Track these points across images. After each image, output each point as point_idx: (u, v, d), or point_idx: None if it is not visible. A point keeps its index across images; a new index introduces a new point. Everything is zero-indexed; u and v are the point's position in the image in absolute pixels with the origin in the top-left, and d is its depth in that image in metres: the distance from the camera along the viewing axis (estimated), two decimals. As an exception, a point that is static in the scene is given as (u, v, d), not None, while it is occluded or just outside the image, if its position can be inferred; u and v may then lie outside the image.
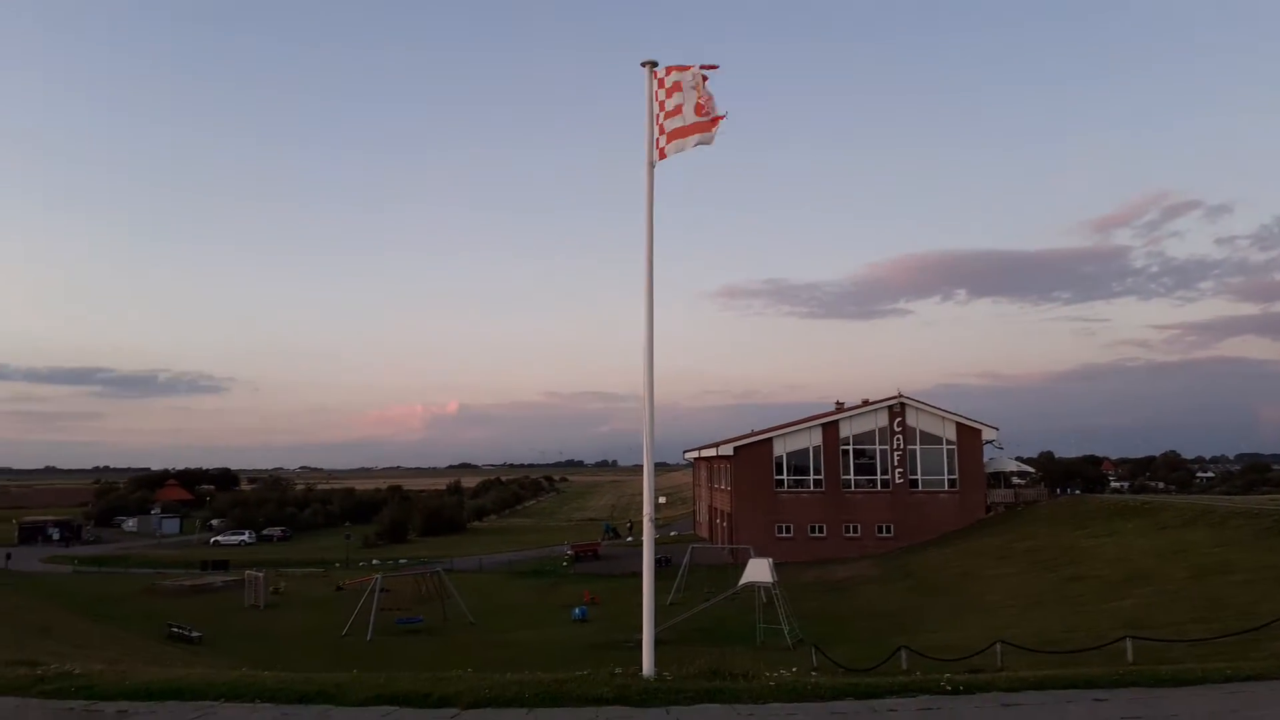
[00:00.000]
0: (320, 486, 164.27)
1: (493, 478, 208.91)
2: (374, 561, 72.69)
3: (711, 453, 67.08)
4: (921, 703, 7.84)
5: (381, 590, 44.71)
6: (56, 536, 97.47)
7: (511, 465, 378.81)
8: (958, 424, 60.37)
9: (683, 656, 15.32)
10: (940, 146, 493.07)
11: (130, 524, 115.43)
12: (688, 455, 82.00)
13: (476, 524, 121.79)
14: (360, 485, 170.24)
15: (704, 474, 76.00)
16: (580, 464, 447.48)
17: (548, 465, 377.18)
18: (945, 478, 59.84)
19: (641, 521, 9.07)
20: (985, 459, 61.01)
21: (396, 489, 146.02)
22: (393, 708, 7.82)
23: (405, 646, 37.33)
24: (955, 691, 8.20)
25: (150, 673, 9.95)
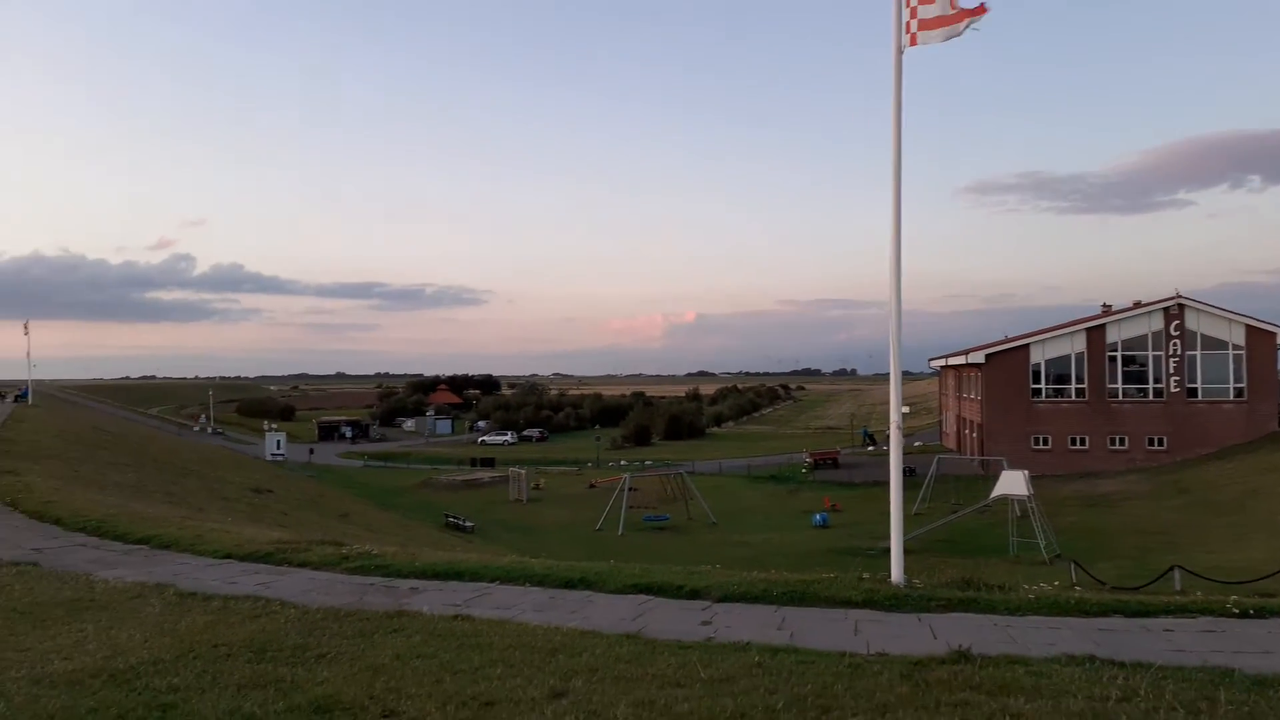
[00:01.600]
0: (571, 392, 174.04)
1: (729, 385, 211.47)
2: (621, 462, 76.40)
3: (960, 360, 64.05)
4: (1203, 624, 7.23)
5: (630, 489, 46.99)
6: (348, 434, 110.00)
7: (748, 374, 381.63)
8: (1247, 326, 53.76)
9: (931, 566, 14.99)
10: (1232, 11, 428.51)
11: (409, 424, 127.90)
12: (933, 363, 78.84)
13: (715, 430, 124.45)
14: (607, 391, 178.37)
15: (952, 383, 72.90)
16: (817, 373, 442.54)
17: (784, 374, 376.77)
18: (1230, 386, 53.79)
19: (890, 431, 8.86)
20: (1281, 366, 54.16)
21: (640, 395, 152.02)
22: (648, 596, 8.26)
23: (652, 542, 39.22)
24: (1244, 614, 7.48)
25: (435, 555, 11.08)
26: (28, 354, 75.43)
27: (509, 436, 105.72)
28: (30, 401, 69.51)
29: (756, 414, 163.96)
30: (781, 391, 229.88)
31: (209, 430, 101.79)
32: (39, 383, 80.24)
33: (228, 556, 10.69)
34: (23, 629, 7.39)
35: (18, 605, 8.21)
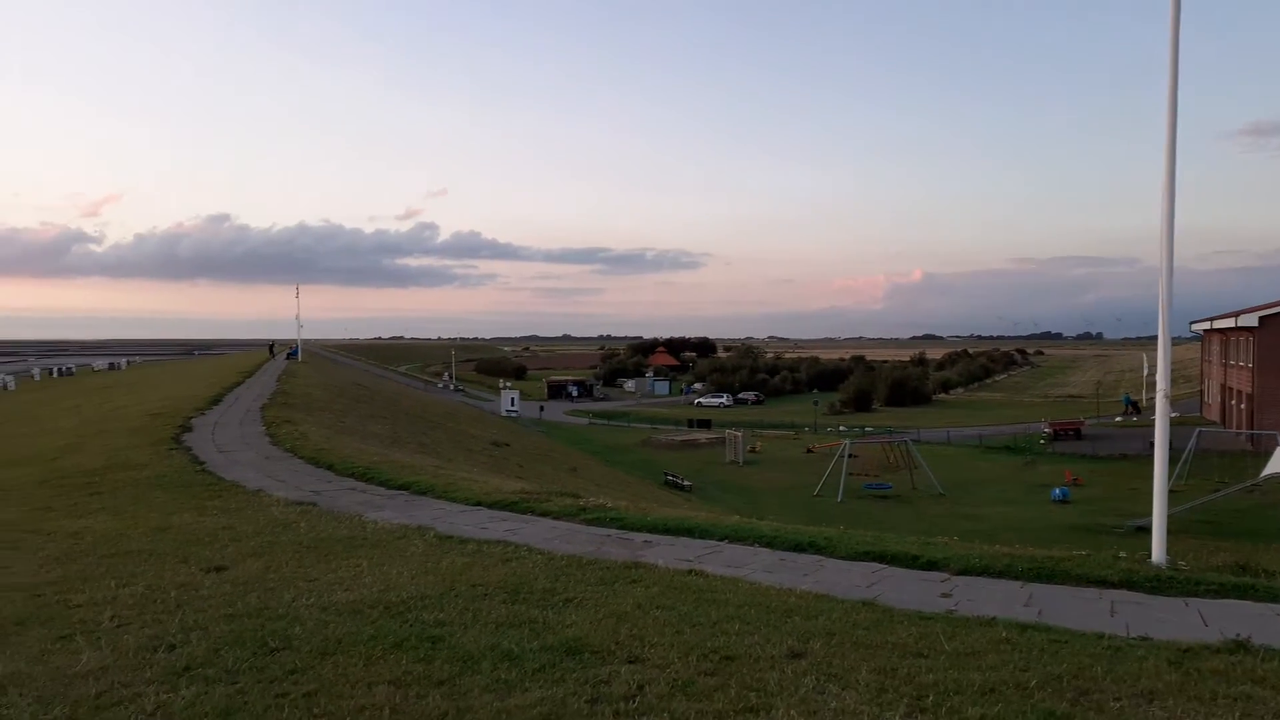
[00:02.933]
0: (788, 355, 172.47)
1: (958, 350, 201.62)
2: (840, 428, 75.02)
3: (1228, 323, 57.63)
4: None
5: (849, 455, 46.10)
6: (574, 393, 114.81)
7: (978, 337, 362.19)
8: None
9: (1192, 548, 13.71)
10: None
11: (629, 385, 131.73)
12: (1195, 327, 71.44)
13: (942, 396, 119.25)
14: (824, 354, 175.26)
15: (1216, 348, 65.81)
16: (1057, 336, 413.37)
17: (1019, 337, 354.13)
18: None
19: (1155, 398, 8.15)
20: None
21: (860, 359, 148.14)
22: (881, 565, 8.10)
23: (874, 511, 38.33)
24: None
25: (665, 512, 11.41)
26: (297, 316, 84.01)
27: (724, 399, 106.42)
28: (299, 359, 77.50)
29: (988, 380, 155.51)
30: (1018, 356, 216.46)
31: (450, 387, 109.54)
32: (305, 342, 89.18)
33: (478, 504, 11.50)
34: (309, 561, 8.31)
35: (304, 540, 9.24)
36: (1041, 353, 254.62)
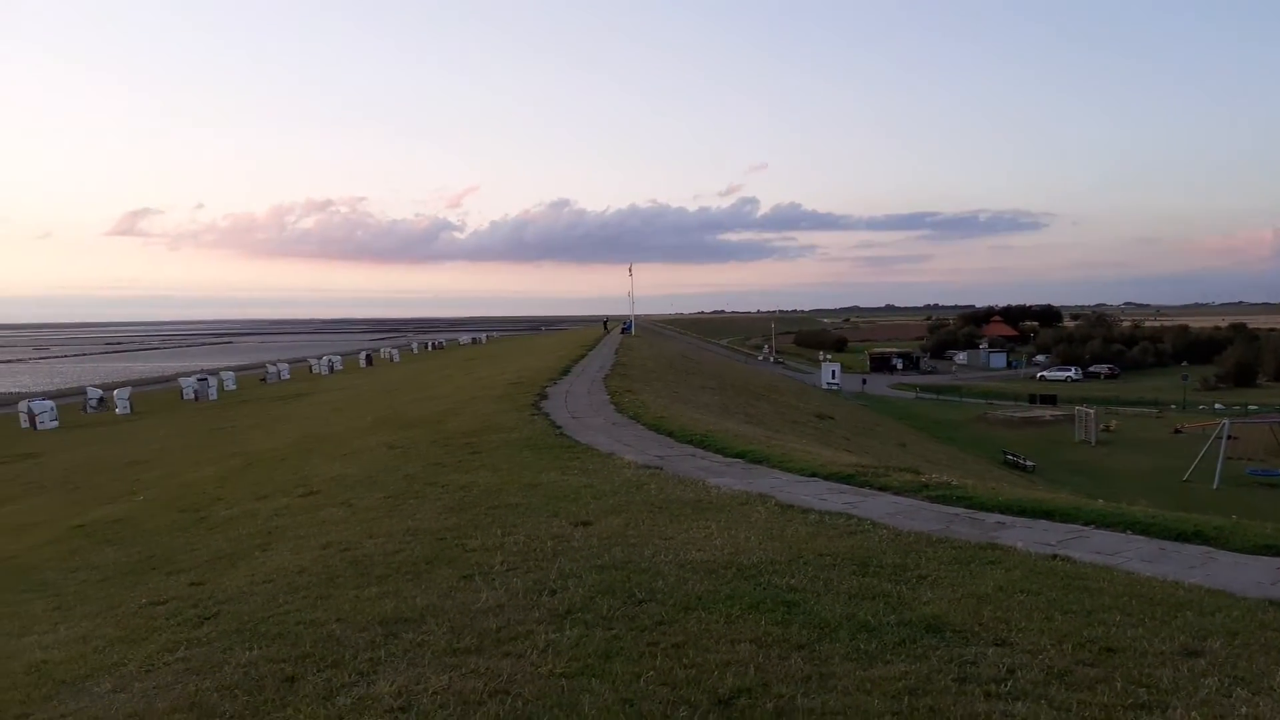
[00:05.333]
0: (1148, 323, 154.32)
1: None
2: (1216, 406, 66.03)
3: None
4: None
5: (1229, 437, 40.52)
6: (899, 366, 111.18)
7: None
8: None
9: None
10: None
11: (960, 357, 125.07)
12: None
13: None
14: (1194, 322, 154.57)
15: None
16: None
17: None
18: None
19: None
20: None
21: (1240, 327, 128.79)
22: (1290, 562, 7.05)
23: (1259, 501, 33.43)
24: None
25: (1019, 492, 10.74)
26: (630, 292, 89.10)
27: (1072, 372, 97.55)
28: (633, 333, 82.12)
29: None
30: None
31: (771, 360, 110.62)
32: (635, 317, 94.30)
33: (813, 475, 11.54)
34: (662, 521, 8.81)
35: (655, 501, 9.81)
36: None
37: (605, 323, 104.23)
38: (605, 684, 4.82)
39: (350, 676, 5.15)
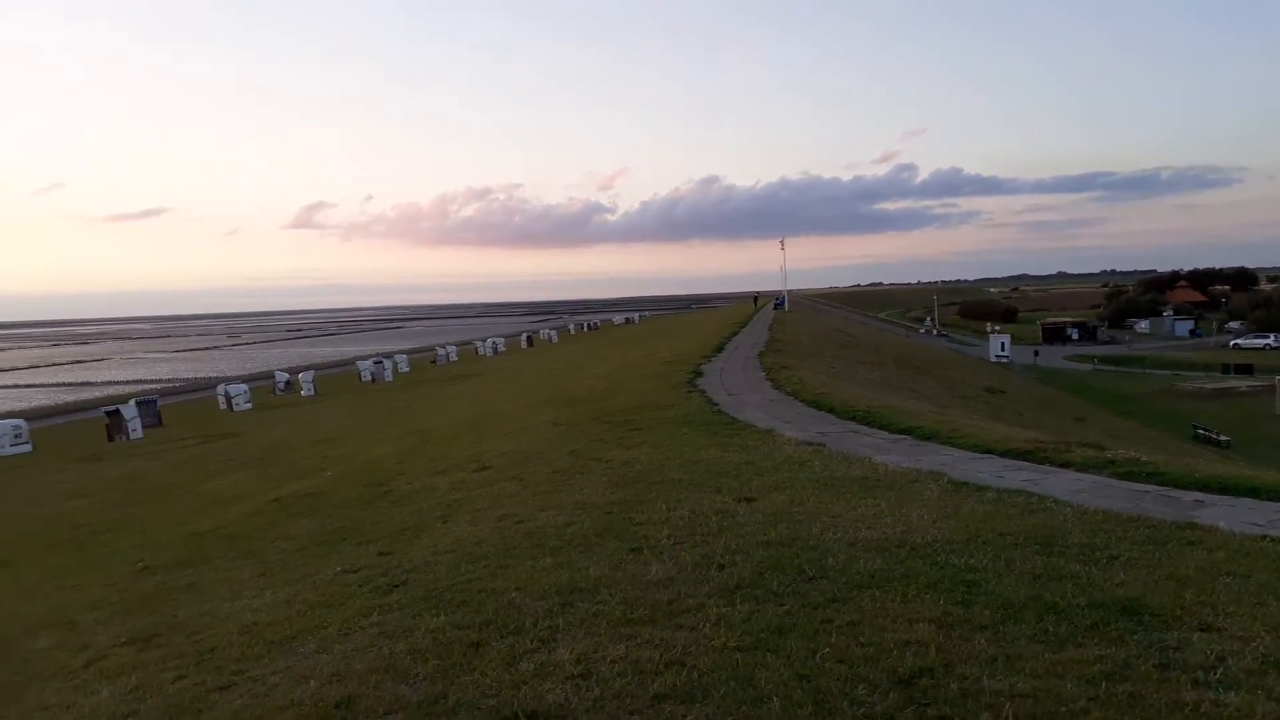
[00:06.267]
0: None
1: None
2: None
3: None
4: None
5: None
6: (1074, 336, 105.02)
7: None
8: None
9: None
10: None
11: (1142, 325, 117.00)
12: None
13: None
14: None
15: None
16: None
17: None
18: None
19: None
20: None
21: None
22: None
23: None
24: None
25: (1219, 469, 9.96)
26: (782, 267, 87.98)
27: (1270, 339, 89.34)
28: (786, 309, 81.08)
29: None
30: None
31: (933, 332, 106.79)
32: (788, 292, 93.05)
33: (987, 451, 11.08)
34: (828, 498, 8.68)
35: (819, 478, 9.67)
36: None
37: (755, 299, 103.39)
38: (780, 659, 4.81)
39: (531, 643, 5.35)
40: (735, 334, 42.10)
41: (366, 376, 56.89)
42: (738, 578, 6.23)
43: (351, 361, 74.55)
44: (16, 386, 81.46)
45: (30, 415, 47.36)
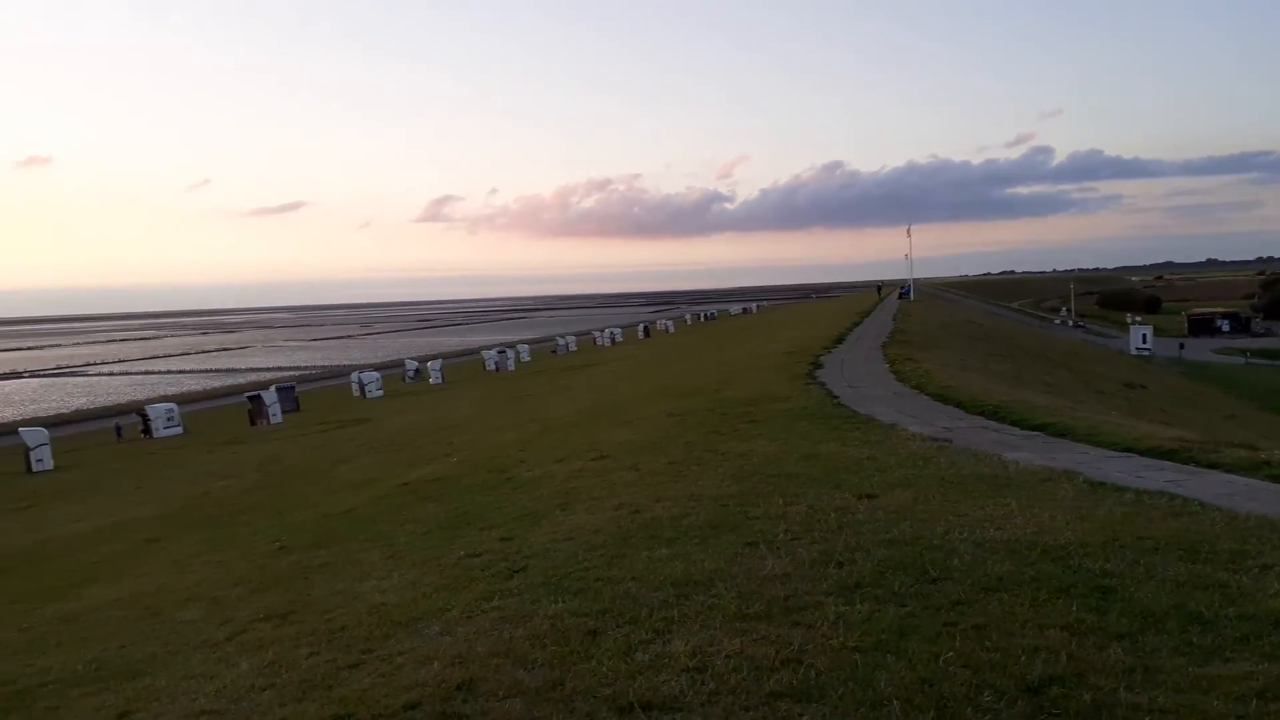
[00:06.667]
0: None
1: None
2: None
3: None
4: None
5: None
6: (1225, 328, 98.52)
7: None
8: None
9: None
10: None
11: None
12: None
13: None
14: None
15: None
16: None
17: None
18: None
19: None
20: None
21: None
22: None
23: None
24: None
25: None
26: (908, 254, 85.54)
27: None
28: (911, 298, 78.89)
29: None
30: None
31: (1070, 323, 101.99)
32: (914, 280, 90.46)
33: (1127, 450, 10.50)
34: (954, 496, 8.39)
35: (945, 475, 9.36)
36: None
37: (879, 288, 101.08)
38: (901, 662, 4.68)
39: (647, 634, 5.38)
40: (857, 324, 41.25)
41: (490, 365, 58.47)
42: (857, 576, 6.10)
43: (476, 351, 76.71)
44: (169, 373, 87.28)
45: (182, 400, 50.69)
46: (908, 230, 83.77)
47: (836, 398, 16.64)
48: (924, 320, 45.08)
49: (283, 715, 5.05)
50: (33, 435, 32.81)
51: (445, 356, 73.48)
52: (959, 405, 15.13)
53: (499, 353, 60.64)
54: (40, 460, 31.38)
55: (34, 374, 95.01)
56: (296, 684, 5.58)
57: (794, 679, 4.58)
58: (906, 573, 6.08)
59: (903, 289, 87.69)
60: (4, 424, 48.69)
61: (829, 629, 5.19)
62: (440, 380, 52.20)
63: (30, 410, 59.06)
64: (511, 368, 57.44)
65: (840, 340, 31.73)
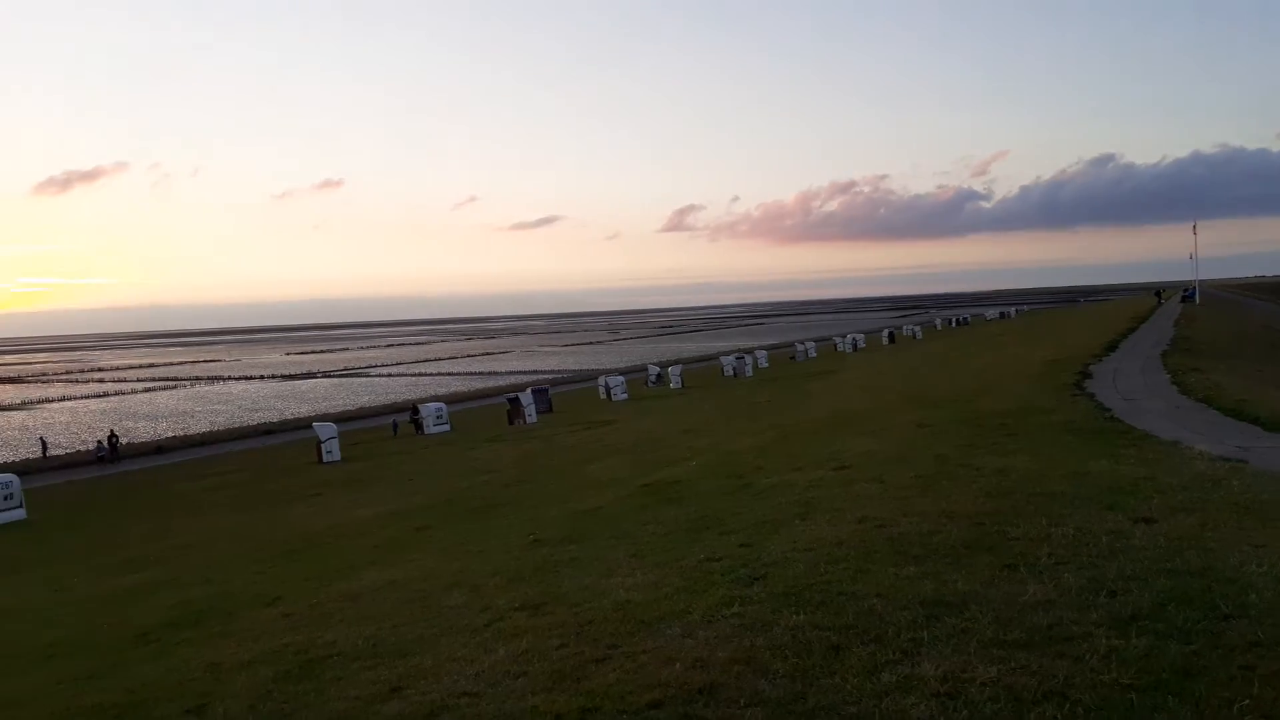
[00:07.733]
0: None
1: None
2: None
3: None
4: None
5: None
6: None
7: None
8: None
9: None
10: None
11: None
12: None
13: None
14: None
15: None
16: None
17: None
18: None
19: None
20: None
21: None
22: None
23: None
24: None
25: None
26: (1192, 254, 77.17)
27: None
28: (1196, 302, 71.09)
29: None
30: None
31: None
32: (1200, 283, 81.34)
33: None
34: (1249, 524, 7.44)
35: (1239, 500, 8.32)
36: None
37: (1158, 292, 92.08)
38: (1185, 705, 4.20)
39: (894, 654, 5.16)
40: (1132, 330, 37.71)
41: (728, 371, 58.82)
42: (1133, 607, 5.54)
43: (715, 356, 77.53)
44: (440, 375, 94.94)
45: (450, 400, 55.00)
46: (1194, 227, 75.60)
47: (1108, 410, 15.28)
48: (1211, 326, 40.44)
49: (534, 703, 5.29)
50: (324, 429, 36.66)
51: (685, 362, 74.76)
52: (1256, 421, 13.42)
53: (737, 358, 60.88)
54: (330, 452, 34.98)
55: (326, 374, 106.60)
56: (548, 674, 5.84)
57: (1058, 713, 4.22)
58: (1192, 607, 5.44)
59: (1186, 291, 79.28)
60: (301, 419, 54.97)
61: (1099, 662, 4.75)
62: (680, 385, 53.18)
63: (322, 407, 66.20)
64: (749, 374, 57.49)
65: (1112, 348, 29.13)
